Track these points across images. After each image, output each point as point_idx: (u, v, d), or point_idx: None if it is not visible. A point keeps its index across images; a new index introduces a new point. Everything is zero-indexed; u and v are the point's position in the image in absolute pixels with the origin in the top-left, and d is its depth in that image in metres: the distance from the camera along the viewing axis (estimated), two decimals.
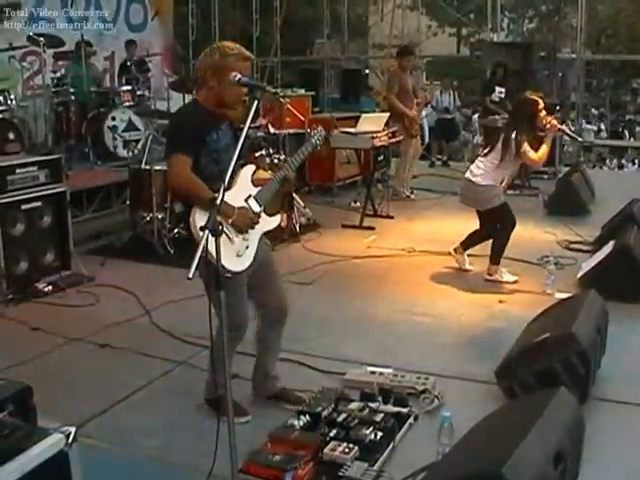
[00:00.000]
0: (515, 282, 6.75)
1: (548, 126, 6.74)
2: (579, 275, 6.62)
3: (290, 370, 4.62)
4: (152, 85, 11.96)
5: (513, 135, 6.61)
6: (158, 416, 4.35)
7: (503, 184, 7.13)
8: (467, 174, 6.94)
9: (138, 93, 11.09)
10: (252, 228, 3.94)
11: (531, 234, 8.58)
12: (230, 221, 3.79)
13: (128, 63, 12.00)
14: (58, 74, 11.08)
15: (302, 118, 10.48)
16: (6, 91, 9.14)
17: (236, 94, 3.92)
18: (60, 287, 6.70)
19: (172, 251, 7.60)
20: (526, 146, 6.61)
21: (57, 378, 4.75)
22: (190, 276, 2.83)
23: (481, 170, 6.80)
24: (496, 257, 6.85)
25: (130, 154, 9.14)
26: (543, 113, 6.71)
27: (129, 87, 11.14)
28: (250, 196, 4.01)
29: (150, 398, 4.59)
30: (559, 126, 6.89)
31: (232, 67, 3.84)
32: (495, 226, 6.96)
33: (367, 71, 18.48)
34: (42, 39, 9.91)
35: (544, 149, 6.70)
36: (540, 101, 6.75)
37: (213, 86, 3.94)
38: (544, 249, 7.47)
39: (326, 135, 4.49)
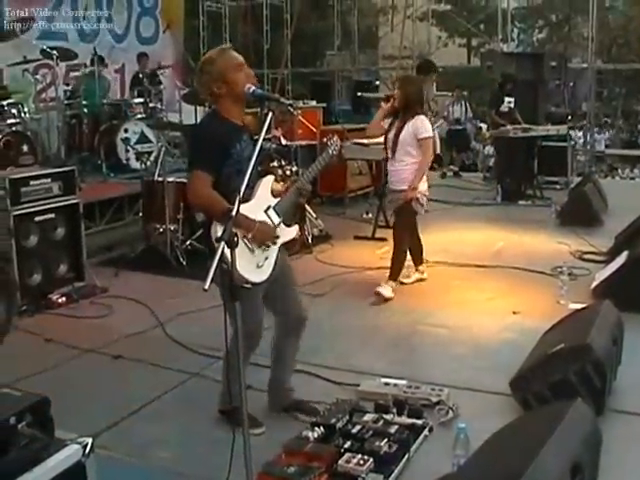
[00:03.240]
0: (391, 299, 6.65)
1: None
2: (593, 286, 6.58)
3: (304, 382, 4.61)
4: (164, 97, 12.00)
5: None
6: (172, 427, 4.35)
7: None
8: None
9: (150, 105, 11.13)
10: (274, 243, 3.96)
11: (544, 245, 8.57)
12: (251, 235, 3.81)
13: (140, 75, 12.06)
14: (70, 87, 11.16)
15: (314, 130, 10.52)
16: (19, 104, 9.20)
17: (242, 78, 3.93)
18: (73, 298, 6.72)
19: (185, 263, 7.61)
20: None
21: (71, 389, 4.74)
22: (206, 287, 2.82)
23: None
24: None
25: (143, 166, 9.18)
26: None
27: (141, 99, 11.19)
28: (270, 207, 4.02)
29: (164, 409, 4.59)
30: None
31: (225, 65, 3.91)
32: None
33: (377, 82, 18.47)
34: (55, 52, 9.99)
35: None
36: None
37: (224, 92, 3.94)
38: (557, 260, 7.42)
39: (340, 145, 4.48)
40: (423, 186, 6.76)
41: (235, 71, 3.92)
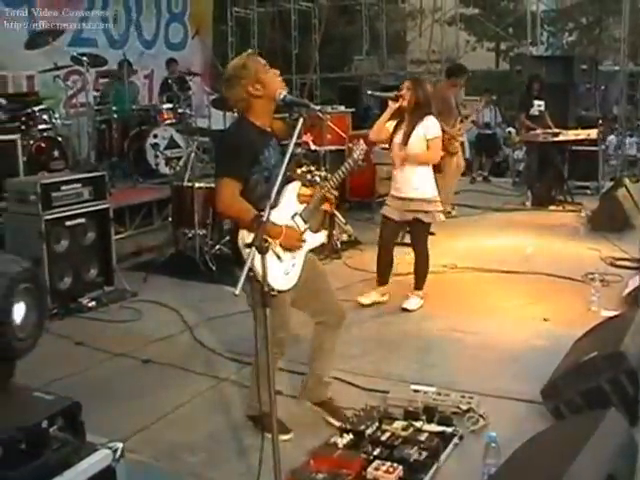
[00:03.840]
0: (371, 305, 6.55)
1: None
2: (625, 292, 6.50)
3: (334, 388, 4.58)
4: (193, 103, 12.05)
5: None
6: (201, 432, 4.36)
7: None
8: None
9: (179, 111, 11.17)
10: (300, 248, 3.96)
11: (574, 250, 8.48)
12: (279, 241, 3.82)
13: (169, 81, 12.12)
14: (100, 93, 11.24)
15: (343, 135, 10.49)
16: (50, 109, 9.26)
17: (275, 80, 3.96)
18: (103, 302, 6.76)
19: (214, 268, 7.62)
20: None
21: (100, 393, 4.77)
22: (237, 293, 2.82)
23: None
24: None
25: (172, 171, 9.21)
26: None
27: (170, 105, 11.24)
28: (296, 213, 4.02)
29: (193, 414, 4.60)
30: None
31: (257, 67, 3.93)
32: None
33: None
34: (85, 58, 10.07)
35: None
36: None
37: (262, 93, 3.93)
38: (588, 266, 7.34)
39: (367, 150, 4.45)
40: (434, 193, 6.54)
41: (266, 71, 3.95)
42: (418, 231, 6.65)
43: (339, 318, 4.36)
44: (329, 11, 18.36)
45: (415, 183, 6.46)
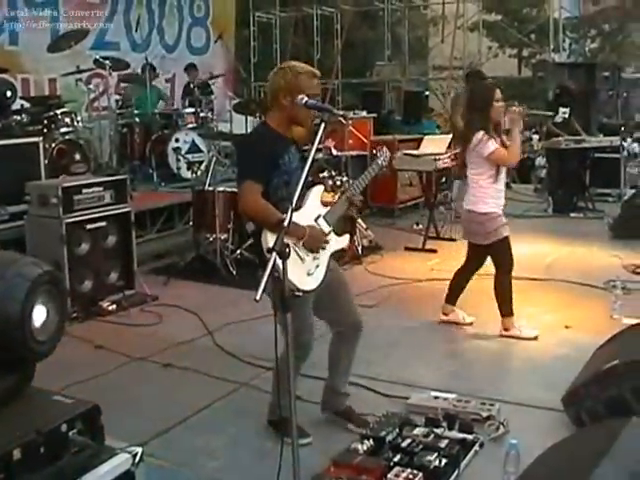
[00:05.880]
0: (535, 338, 5.90)
1: (509, 116, 5.88)
2: None
3: (354, 394, 4.56)
4: (215, 107, 12.07)
5: (476, 137, 5.75)
6: (221, 437, 4.35)
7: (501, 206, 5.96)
8: (465, 204, 6.03)
9: (201, 115, 11.19)
10: (323, 248, 3.95)
11: (596, 258, 8.44)
12: (302, 242, 3.82)
13: (191, 85, 12.15)
14: (122, 96, 11.29)
15: (364, 140, 10.49)
16: (73, 113, 9.29)
17: (308, 113, 3.95)
18: (124, 306, 6.79)
19: (235, 272, 7.63)
20: (491, 143, 5.70)
21: (120, 396, 4.77)
22: (257, 298, 2.81)
23: (475, 195, 5.90)
24: (506, 307, 5.98)
25: (193, 175, 9.23)
26: (500, 103, 5.78)
27: (192, 109, 11.27)
28: (320, 216, 4.02)
29: (213, 419, 4.60)
30: (519, 109, 5.91)
31: (304, 85, 3.91)
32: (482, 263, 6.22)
33: (427, 93, 18.39)
34: (108, 62, 10.11)
35: (512, 143, 5.81)
36: (495, 89, 5.82)
37: (286, 106, 3.96)
38: (610, 273, 7.28)
39: (391, 157, 4.46)
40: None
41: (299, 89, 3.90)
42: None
43: (356, 331, 4.34)
44: (351, 16, 18.36)
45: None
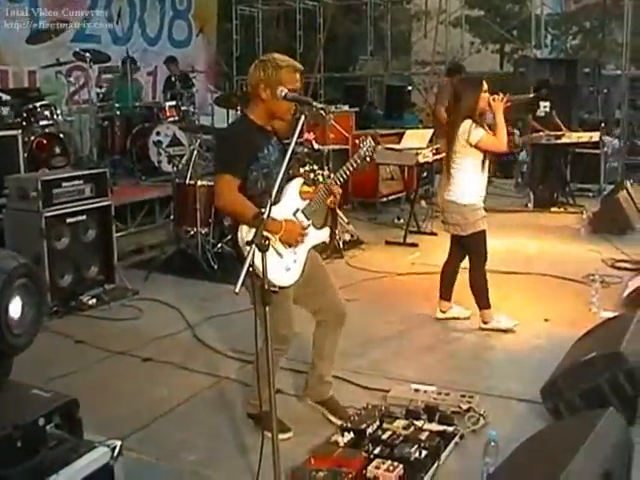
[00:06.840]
0: (514, 327, 5.97)
1: (493, 104, 5.89)
2: (625, 294, 6.51)
3: (335, 386, 4.57)
4: (196, 101, 12.02)
5: (464, 125, 5.77)
6: (201, 431, 4.35)
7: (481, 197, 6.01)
8: (446, 195, 6.00)
9: (183, 108, 11.14)
10: (301, 242, 3.94)
11: (575, 252, 8.49)
12: (278, 236, 3.80)
13: (172, 79, 12.10)
14: (103, 89, 11.22)
15: (346, 134, 10.48)
16: (52, 106, 9.21)
17: (288, 106, 3.95)
18: (104, 300, 6.75)
19: (216, 266, 7.61)
20: (478, 131, 5.75)
21: (100, 391, 4.77)
22: (237, 291, 2.82)
23: (458, 185, 5.92)
24: (483, 300, 6.01)
25: (174, 169, 9.18)
26: (486, 94, 5.87)
27: (174, 102, 11.21)
28: (298, 210, 4.01)
29: (192, 412, 4.59)
30: (503, 97, 5.96)
31: (285, 79, 3.89)
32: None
33: (410, 88, 18.39)
34: (88, 55, 10.03)
35: (499, 130, 5.82)
36: (482, 81, 5.98)
37: (265, 99, 3.94)
38: (589, 267, 7.33)
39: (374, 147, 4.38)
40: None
41: (279, 84, 3.89)
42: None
43: (340, 318, 4.33)
44: (334, 10, 18.32)
45: None
